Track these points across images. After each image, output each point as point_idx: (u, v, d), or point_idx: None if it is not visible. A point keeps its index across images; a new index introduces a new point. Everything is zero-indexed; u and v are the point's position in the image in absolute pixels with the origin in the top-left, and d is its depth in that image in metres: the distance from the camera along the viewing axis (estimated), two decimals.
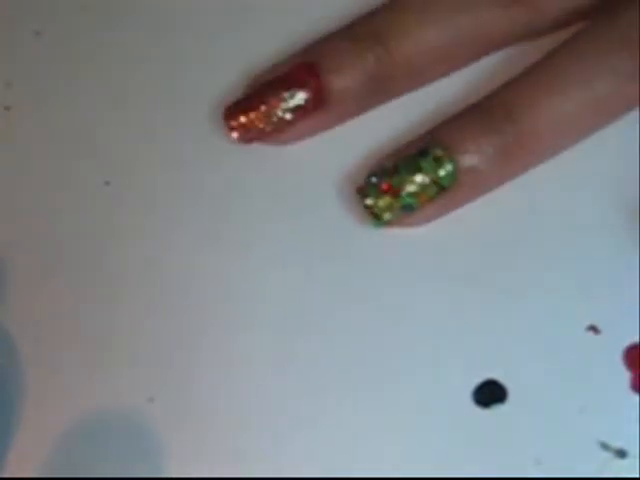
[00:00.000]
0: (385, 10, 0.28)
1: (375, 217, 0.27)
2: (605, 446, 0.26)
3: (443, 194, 0.27)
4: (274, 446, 0.27)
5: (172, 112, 0.31)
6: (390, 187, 0.27)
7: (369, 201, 0.27)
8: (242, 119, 0.28)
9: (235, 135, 0.29)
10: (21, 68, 0.32)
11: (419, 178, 0.27)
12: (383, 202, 0.27)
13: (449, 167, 0.27)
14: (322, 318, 0.28)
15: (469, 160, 0.27)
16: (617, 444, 0.26)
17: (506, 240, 0.28)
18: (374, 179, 0.27)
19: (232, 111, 0.29)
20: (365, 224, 0.28)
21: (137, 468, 0.27)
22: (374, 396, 0.27)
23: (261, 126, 0.28)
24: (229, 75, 0.30)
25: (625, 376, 0.27)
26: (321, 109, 0.28)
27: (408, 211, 0.27)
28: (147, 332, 0.29)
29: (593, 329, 0.27)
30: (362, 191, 0.28)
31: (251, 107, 0.28)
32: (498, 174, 0.28)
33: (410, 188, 0.27)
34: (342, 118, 0.29)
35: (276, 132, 0.28)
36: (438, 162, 0.27)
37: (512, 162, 0.27)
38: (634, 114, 0.28)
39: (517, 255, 0.28)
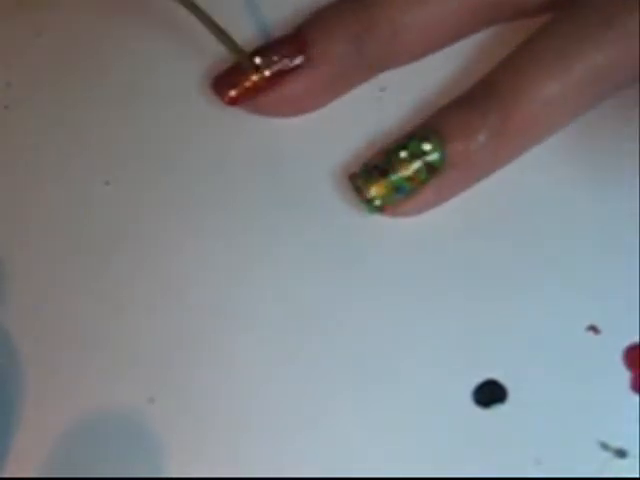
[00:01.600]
0: None
1: (368, 201, 0.28)
2: (605, 446, 0.26)
3: (435, 176, 0.27)
4: (274, 446, 0.27)
5: (172, 112, 0.31)
6: (381, 170, 0.27)
7: (359, 182, 0.28)
8: (230, 79, 0.29)
9: (226, 98, 0.29)
10: (21, 68, 0.32)
11: (403, 154, 0.27)
12: (375, 185, 0.27)
13: (434, 142, 0.27)
14: (322, 318, 0.28)
15: (457, 140, 0.27)
16: (617, 444, 0.26)
17: (506, 240, 0.28)
18: (366, 165, 0.28)
19: (222, 74, 0.29)
20: (363, 216, 0.28)
21: (137, 468, 0.27)
22: (374, 396, 0.27)
23: (248, 81, 0.29)
24: None
25: (625, 376, 0.27)
26: (304, 69, 0.28)
27: (401, 194, 0.27)
28: (147, 332, 0.29)
29: (593, 329, 0.27)
30: (354, 177, 0.28)
31: (239, 70, 0.29)
32: (488, 155, 0.28)
33: (399, 169, 0.27)
34: (326, 86, 0.29)
35: (263, 90, 0.29)
36: (427, 143, 0.27)
37: (501, 142, 0.27)
38: (633, 112, 0.28)
39: (517, 255, 0.28)
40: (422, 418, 0.27)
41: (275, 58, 0.28)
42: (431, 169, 0.27)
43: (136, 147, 0.30)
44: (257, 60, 0.28)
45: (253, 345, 0.28)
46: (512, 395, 0.27)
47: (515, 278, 0.28)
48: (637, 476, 0.26)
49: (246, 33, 0.31)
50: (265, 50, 0.29)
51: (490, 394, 0.27)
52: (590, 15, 0.27)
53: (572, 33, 0.27)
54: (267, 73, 0.28)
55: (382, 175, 0.27)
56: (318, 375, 0.28)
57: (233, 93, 0.29)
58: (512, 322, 0.28)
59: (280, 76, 0.29)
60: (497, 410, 0.27)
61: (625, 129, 0.28)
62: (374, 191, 0.27)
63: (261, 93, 0.29)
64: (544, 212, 0.28)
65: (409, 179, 0.27)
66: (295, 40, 0.29)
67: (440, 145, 0.27)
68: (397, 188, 0.27)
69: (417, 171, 0.27)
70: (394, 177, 0.27)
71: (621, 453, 0.26)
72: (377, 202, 0.28)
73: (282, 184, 0.30)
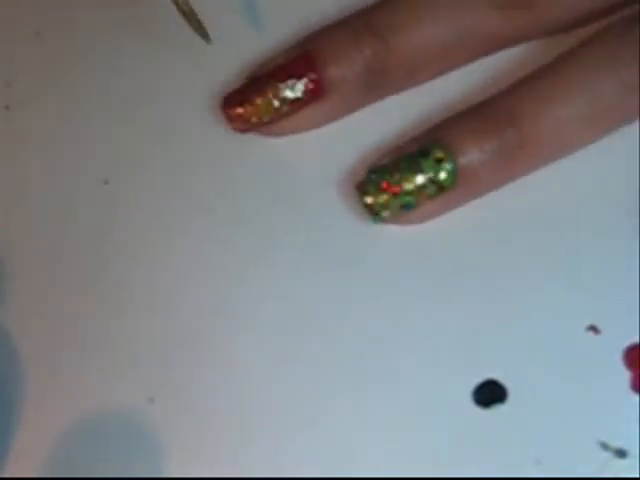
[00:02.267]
0: (384, 4, 0.28)
1: (374, 214, 0.27)
2: (605, 446, 0.26)
3: (442, 193, 0.27)
4: (274, 446, 0.27)
5: (172, 111, 0.31)
6: (389, 186, 0.27)
7: (369, 199, 0.27)
8: (239, 110, 0.28)
9: (232, 125, 0.29)
10: (21, 68, 0.32)
11: (420, 179, 0.27)
12: (382, 199, 0.27)
13: (449, 168, 0.27)
14: (322, 318, 0.28)
15: (469, 162, 0.27)
16: (617, 444, 0.26)
17: (506, 240, 0.28)
18: (374, 176, 0.27)
19: (230, 101, 0.29)
20: (364, 221, 0.28)
21: (137, 468, 0.27)
22: (374, 396, 0.27)
23: (258, 117, 0.28)
24: (230, 73, 0.30)
25: (625, 376, 0.27)
26: (317, 100, 0.28)
27: (407, 209, 0.27)
28: (147, 332, 0.29)
29: (593, 329, 0.27)
30: (361, 188, 0.28)
31: (248, 97, 0.28)
32: (497, 177, 0.28)
33: (409, 187, 0.27)
34: (338, 112, 0.29)
35: (273, 123, 0.29)
36: (439, 163, 0.27)
37: (512, 165, 0.27)
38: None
39: (517, 255, 0.28)
40: (422, 418, 0.27)
41: (286, 85, 0.28)
42: (440, 187, 0.27)
43: (136, 147, 0.30)
44: (266, 86, 0.28)
45: (253, 345, 0.28)
46: (512, 395, 0.27)
47: (515, 278, 0.28)
48: (637, 476, 0.26)
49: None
50: (274, 75, 0.28)
51: (490, 394, 0.27)
52: (614, 45, 0.27)
53: (594, 60, 0.27)
54: (277, 105, 0.28)
55: (392, 193, 0.27)
56: (318, 375, 0.28)
57: (242, 125, 0.29)
58: (512, 322, 0.28)
59: (292, 109, 0.28)
60: (497, 410, 0.27)
61: (625, 129, 0.28)
62: (382, 207, 0.27)
63: (272, 123, 0.29)
64: (544, 213, 0.28)
65: (417, 195, 0.27)
66: (306, 65, 0.28)
67: (452, 165, 0.27)
68: (405, 205, 0.27)
69: (426, 187, 0.27)
70: (404, 196, 0.27)
71: (621, 453, 0.26)
72: (384, 214, 0.27)
73: (284, 186, 0.30)
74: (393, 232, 0.28)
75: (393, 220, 0.28)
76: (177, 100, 0.31)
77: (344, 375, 0.28)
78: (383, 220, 0.28)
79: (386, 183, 0.27)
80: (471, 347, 0.27)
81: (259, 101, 0.28)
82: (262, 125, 0.29)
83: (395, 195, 0.27)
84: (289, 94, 0.28)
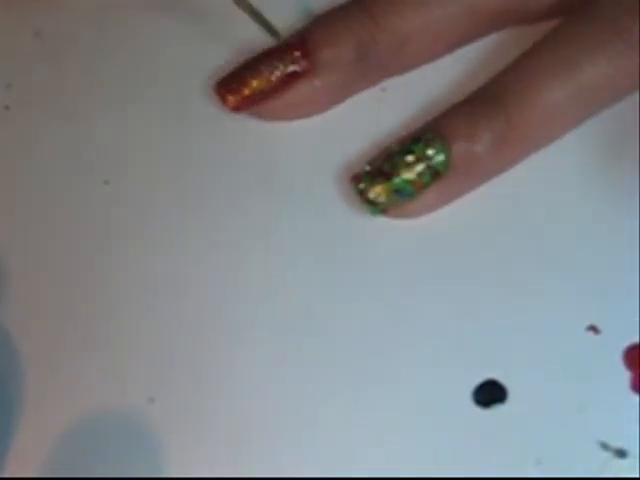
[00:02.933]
0: None
1: (370, 203, 0.28)
2: (605, 446, 0.26)
3: (438, 180, 0.27)
4: (274, 446, 0.27)
5: (172, 111, 0.31)
6: (382, 172, 0.27)
7: (361, 185, 0.27)
8: (234, 85, 0.29)
9: (226, 103, 0.29)
10: (21, 68, 0.32)
11: (409, 158, 0.27)
12: (376, 186, 0.27)
13: (440, 150, 0.27)
14: (321, 318, 0.28)
15: (461, 144, 0.27)
16: (617, 444, 0.26)
17: (506, 240, 0.28)
18: (369, 167, 0.28)
19: (225, 82, 0.29)
20: (364, 217, 0.28)
21: (137, 468, 0.27)
22: (374, 396, 0.27)
23: (251, 90, 0.29)
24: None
25: (625, 376, 0.27)
26: (309, 76, 0.28)
27: (404, 196, 0.27)
28: (147, 332, 0.29)
29: (593, 329, 0.27)
30: (357, 179, 0.28)
31: (243, 78, 0.29)
32: (491, 161, 0.28)
33: (403, 172, 0.27)
34: (333, 91, 0.29)
35: (267, 98, 0.29)
36: (428, 144, 0.27)
37: (504, 149, 0.27)
38: (632, 108, 0.28)
39: (517, 255, 0.28)
40: (422, 418, 0.27)
41: (280, 64, 0.28)
42: (435, 172, 0.27)
43: (136, 147, 0.30)
44: (261, 66, 0.28)
45: (253, 345, 0.28)
46: (512, 395, 0.27)
47: (515, 278, 0.28)
48: (637, 476, 0.26)
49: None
50: (269, 55, 0.29)
51: (490, 394, 0.27)
52: (599, 23, 0.27)
53: (581, 40, 0.27)
54: (272, 79, 0.28)
55: (385, 178, 0.27)
56: (318, 375, 0.28)
57: (236, 100, 0.29)
58: (512, 322, 0.28)
59: (285, 83, 0.28)
60: (497, 410, 0.27)
61: (625, 130, 0.28)
62: (376, 193, 0.27)
63: (265, 99, 0.29)
64: (544, 213, 0.28)
65: (412, 182, 0.27)
66: (299, 46, 0.28)
67: (444, 149, 0.27)
68: (400, 191, 0.27)
69: (420, 174, 0.27)
70: (397, 180, 0.27)
71: (621, 453, 0.26)
72: (379, 204, 0.28)
73: (282, 184, 0.30)
74: (393, 231, 0.28)
75: (391, 210, 0.28)
76: (177, 100, 0.31)
77: (344, 374, 0.28)
78: (381, 210, 0.28)
79: (378, 169, 0.27)
80: (471, 347, 0.27)
81: (255, 83, 0.28)
82: (256, 99, 0.29)
83: (388, 179, 0.27)
84: (282, 69, 0.28)
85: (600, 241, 0.28)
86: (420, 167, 0.27)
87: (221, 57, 0.31)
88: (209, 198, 0.30)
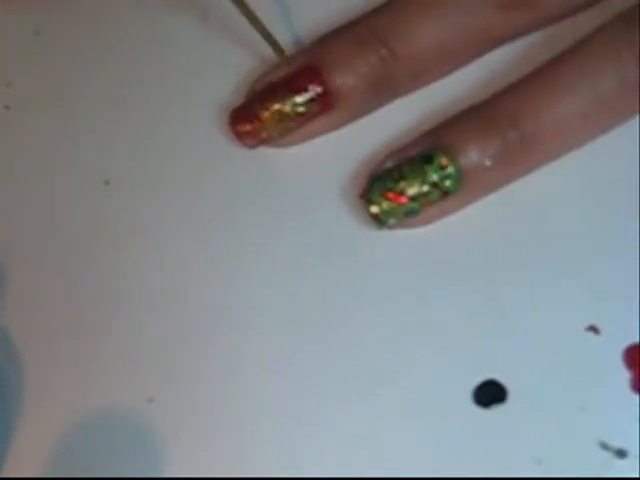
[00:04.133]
0: (386, 9, 0.28)
1: (380, 222, 0.27)
2: (605, 446, 0.26)
3: (446, 198, 0.27)
4: (274, 446, 0.27)
5: (172, 111, 0.31)
6: (395, 195, 0.27)
7: (374, 209, 0.27)
8: (248, 127, 0.28)
9: (243, 142, 0.29)
10: (21, 68, 0.32)
11: (425, 187, 0.27)
12: (387, 207, 0.27)
13: (454, 174, 0.27)
14: (322, 318, 0.28)
15: (473, 166, 0.27)
16: (617, 444, 0.26)
17: (506, 240, 0.28)
18: (377, 183, 0.27)
19: (237, 117, 0.29)
20: (366, 225, 0.28)
21: (137, 468, 0.27)
22: (374, 396, 0.27)
23: (267, 132, 0.28)
24: (230, 74, 0.30)
25: (625, 376, 0.27)
26: (327, 111, 0.28)
27: (412, 215, 0.27)
28: (147, 332, 0.29)
29: (593, 329, 0.27)
30: (366, 196, 0.27)
31: (256, 113, 0.28)
32: (501, 178, 0.28)
33: (414, 194, 0.27)
34: (348, 119, 0.29)
35: (283, 136, 0.28)
36: (443, 169, 0.27)
37: (514, 166, 0.27)
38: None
39: (518, 255, 0.28)
40: (422, 418, 0.27)
41: (296, 98, 0.28)
42: (444, 192, 0.27)
43: (136, 147, 0.30)
44: (276, 103, 0.28)
45: (253, 345, 0.28)
46: (512, 395, 0.27)
47: (515, 278, 0.28)
48: (637, 476, 0.26)
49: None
50: (283, 88, 0.28)
51: (490, 394, 0.27)
52: (612, 38, 0.27)
53: (594, 55, 0.27)
54: (294, 123, 0.28)
55: (397, 202, 0.27)
56: (318, 375, 0.28)
57: (253, 141, 0.29)
58: (512, 322, 0.28)
59: (303, 121, 0.28)
60: (497, 410, 0.27)
61: (625, 131, 0.28)
62: (387, 213, 0.27)
63: (283, 136, 0.29)
64: (544, 213, 0.28)
65: (422, 202, 0.27)
66: (314, 77, 0.28)
67: (457, 171, 0.27)
68: (410, 211, 0.27)
69: (430, 194, 0.27)
70: (410, 205, 0.27)
71: (621, 453, 0.26)
72: (390, 222, 0.27)
73: (286, 187, 0.30)
74: (394, 233, 0.28)
75: (398, 226, 0.28)
76: (178, 101, 0.31)
77: (344, 374, 0.28)
78: (388, 227, 0.28)
79: (391, 193, 0.27)
80: (471, 347, 0.27)
81: (266, 115, 0.28)
82: (271, 140, 0.29)
83: (401, 203, 0.27)
84: (297, 109, 0.28)
85: (600, 241, 0.28)
86: (430, 189, 0.27)
87: (221, 58, 0.31)
88: (211, 198, 0.30)
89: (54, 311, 0.29)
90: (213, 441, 0.28)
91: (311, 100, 0.28)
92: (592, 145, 0.28)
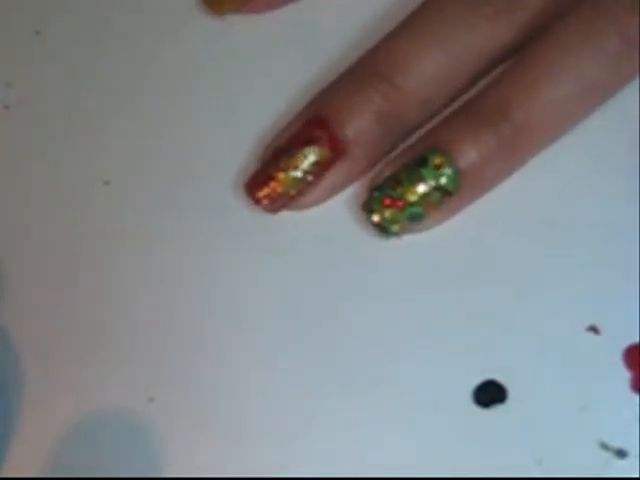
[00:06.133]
0: (382, 46, 0.28)
1: (383, 231, 0.27)
2: (605, 446, 0.26)
3: (448, 199, 0.27)
4: (274, 446, 0.27)
5: (172, 111, 0.31)
6: (393, 201, 0.27)
7: (375, 217, 0.27)
8: (265, 190, 0.28)
9: (263, 208, 0.28)
10: (21, 68, 0.32)
11: (422, 188, 0.27)
12: (389, 215, 0.27)
13: (450, 172, 0.27)
14: (322, 318, 0.28)
15: (469, 163, 0.27)
16: (617, 444, 0.26)
17: (506, 240, 0.28)
18: (377, 194, 0.27)
19: (253, 184, 0.28)
20: (365, 226, 0.28)
21: (137, 468, 0.27)
22: (374, 396, 0.27)
23: (284, 191, 0.28)
24: (230, 75, 0.31)
25: (625, 376, 0.27)
26: (339, 161, 0.28)
27: (416, 219, 0.27)
28: (147, 332, 0.29)
29: (593, 329, 0.27)
30: (367, 207, 0.27)
31: (271, 175, 0.28)
32: (499, 171, 0.28)
33: (413, 198, 0.27)
34: (365, 166, 0.28)
35: (301, 195, 0.28)
36: (439, 169, 0.27)
37: (511, 157, 0.27)
38: (633, 112, 0.28)
39: (517, 255, 0.28)
40: (422, 418, 0.27)
41: (308, 154, 0.27)
42: (444, 192, 0.27)
43: (136, 147, 0.30)
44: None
45: (253, 345, 0.28)
46: (512, 395, 0.27)
47: (515, 278, 0.28)
48: (637, 476, 0.26)
49: None
50: (291, 147, 0.27)
51: (490, 394, 0.27)
52: (597, 20, 0.27)
53: (579, 39, 0.27)
54: (309, 178, 0.27)
55: (397, 208, 0.27)
56: (318, 375, 0.28)
57: (273, 206, 0.28)
58: (512, 322, 0.28)
59: (317, 177, 0.28)
60: (497, 410, 0.27)
61: (625, 130, 0.28)
62: (389, 220, 0.27)
63: (300, 195, 0.28)
64: (544, 213, 0.28)
65: (423, 204, 0.27)
66: (318, 127, 0.27)
67: (454, 170, 0.26)
68: (413, 216, 0.27)
69: (431, 195, 0.27)
70: (410, 209, 0.27)
71: (621, 453, 0.26)
72: (394, 229, 0.27)
73: None
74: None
75: (404, 233, 0.28)
76: (177, 99, 0.31)
77: (344, 374, 0.28)
78: (393, 235, 0.27)
79: (389, 199, 0.27)
80: (471, 347, 0.27)
81: (282, 176, 0.27)
82: (290, 200, 0.28)
83: (401, 209, 0.27)
84: (309, 160, 0.27)
85: (600, 241, 0.28)
86: (430, 191, 0.27)
87: (222, 57, 0.31)
88: (211, 198, 0.30)
89: (53, 311, 0.29)
90: (213, 441, 0.28)
91: (322, 151, 0.27)
92: (592, 144, 0.28)
